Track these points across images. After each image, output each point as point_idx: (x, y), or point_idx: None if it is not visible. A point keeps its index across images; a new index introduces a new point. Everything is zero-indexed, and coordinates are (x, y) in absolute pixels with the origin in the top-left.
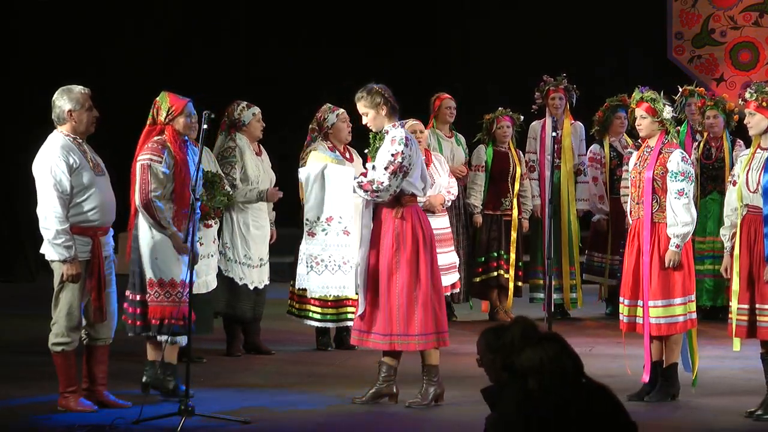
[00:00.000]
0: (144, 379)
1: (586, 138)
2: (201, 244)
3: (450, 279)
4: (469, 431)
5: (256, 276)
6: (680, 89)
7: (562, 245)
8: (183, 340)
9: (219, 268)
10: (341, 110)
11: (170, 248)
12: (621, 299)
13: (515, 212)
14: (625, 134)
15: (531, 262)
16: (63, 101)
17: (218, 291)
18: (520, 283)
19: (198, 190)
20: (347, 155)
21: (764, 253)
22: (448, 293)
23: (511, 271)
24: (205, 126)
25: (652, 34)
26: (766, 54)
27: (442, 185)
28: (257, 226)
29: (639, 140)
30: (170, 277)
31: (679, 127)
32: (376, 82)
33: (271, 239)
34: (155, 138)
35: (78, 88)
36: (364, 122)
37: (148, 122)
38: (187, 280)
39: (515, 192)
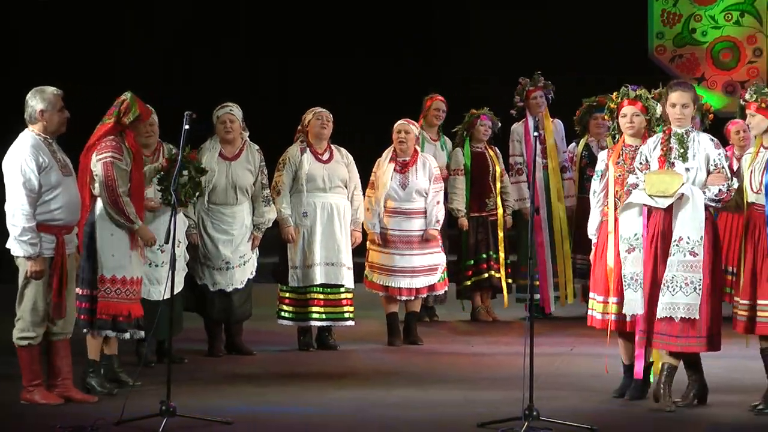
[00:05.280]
0: (88, 378)
1: (569, 136)
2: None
3: (424, 281)
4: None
5: (219, 278)
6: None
7: (555, 243)
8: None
9: (187, 266)
10: (321, 109)
11: (127, 246)
12: (602, 297)
13: (500, 211)
14: (609, 137)
15: (518, 262)
16: (36, 101)
17: (185, 289)
18: (510, 281)
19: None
20: (325, 156)
21: (767, 251)
22: (425, 294)
23: (502, 270)
24: (186, 126)
25: (633, 34)
26: (747, 54)
27: (419, 188)
28: (219, 229)
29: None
30: (122, 274)
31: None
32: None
33: (253, 243)
34: (112, 137)
35: (50, 89)
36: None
37: (110, 119)
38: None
39: (497, 191)
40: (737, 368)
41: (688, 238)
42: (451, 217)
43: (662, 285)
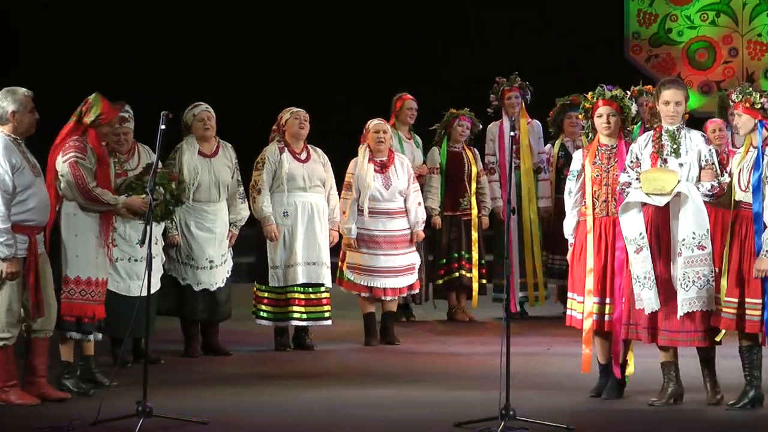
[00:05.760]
0: (63, 380)
1: (546, 136)
2: (115, 246)
3: (406, 281)
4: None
5: (204, 277)
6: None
7: (524, 244)
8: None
9: (163, 266)
10: (298, 109)
11: (92, 247)
12: (582, 298)
13: (474, 211)
14: (583, 136)
15: (494, 262)
16: (7, 102)
17: (164, 290)
18: (484, 281)
19: (149, 187)
20: (303, 155)
21: (755, 249)
22: (405, 294)
23: (474, 271)
24: (162, 126)
25: (609, 34)
26: (722, 53)
27: (401, 188)
28: (201, 227)
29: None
30: (87, 275)
31: (632, 126)
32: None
33: (230, 241)
34: (76, 137)
35: (22, 90)
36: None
37: (73, 119)
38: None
39: (473, 191)
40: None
41: (694, 233)
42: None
43: (676, 284)
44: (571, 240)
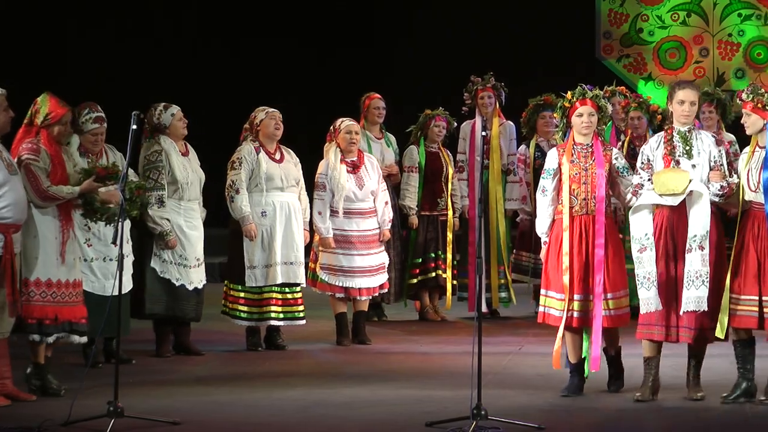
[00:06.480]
0: (33, 381)
1: (519, 138)
2: (90, 245)
3: (379, 280)
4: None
5: (194, 276)
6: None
7: (491, 245)
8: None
9: (155, 269)
10: (273, 109)
11: (52, 248)
12: (560, 295)
13: (450, 212)
14: (557, 134)
15: (461, 262)
16: None
17: (157, 293)
18: (455, 282)
19: (120, 187)
20: (277, 155)
21: None
22: (377, 293)
23: (449, 271)
24: (133, 126)
25: (580, 34)
26: (693, 53)
27: (373, 188)
28: (191, 226)
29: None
30: (47, 277)
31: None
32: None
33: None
34: (29, 140)
35: None
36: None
37: (25, 121)
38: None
39: (449, 192)
40: (679, 366)
41: (695, 234)
42: (401, 214)
43: (684, 280)
44: (544, 238)
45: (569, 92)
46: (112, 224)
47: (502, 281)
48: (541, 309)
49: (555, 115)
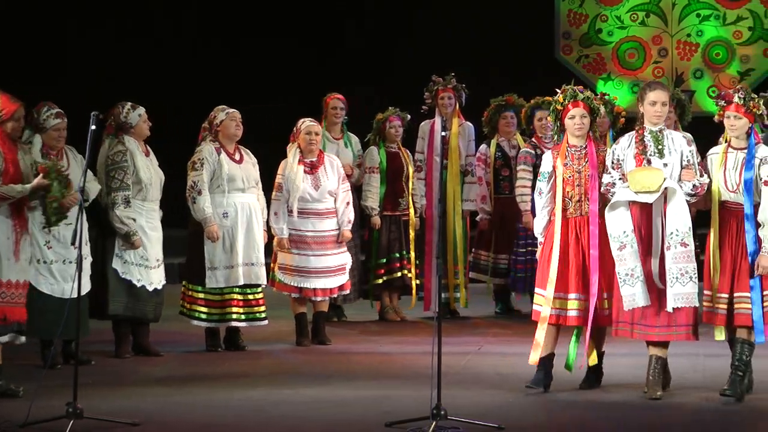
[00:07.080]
0: None
1: (479, 139)
2: (50, 248)
3: (338, 281)
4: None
5: (155, 276)
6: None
7: (447, 245)
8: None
9: (116, 270)
10: (233, 110)
11: (5, 249)
12: (553, 294)
13: (412, 211)
14: (517, 134)
15: (419, 261)
16: None
17: (117, 294)
18: (418, 282)
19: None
20: (237, 156)
21: (746, 247)
22: (335, 294)
23: (413, 270)
24: (93, 126)
25: (539, 34)
26: (652, 53)
27: (331, 189)
28: (152, 227)
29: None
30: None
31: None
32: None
33: None
34: None
35: None
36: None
37: None
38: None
39: (410, 191)
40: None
41: (677, 230)
42: (363, 215)
43: (667, 278)
44: (540, 239)
45: (560, 95)
46: (57, 223)
47: (457, 281)
48: (535, 307)
49: (549, 118)
